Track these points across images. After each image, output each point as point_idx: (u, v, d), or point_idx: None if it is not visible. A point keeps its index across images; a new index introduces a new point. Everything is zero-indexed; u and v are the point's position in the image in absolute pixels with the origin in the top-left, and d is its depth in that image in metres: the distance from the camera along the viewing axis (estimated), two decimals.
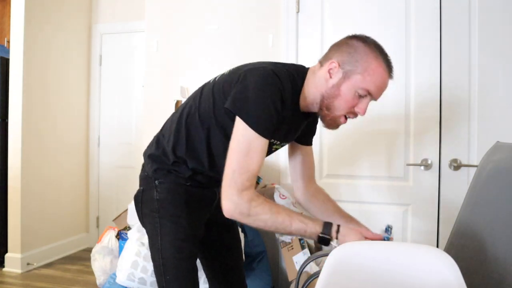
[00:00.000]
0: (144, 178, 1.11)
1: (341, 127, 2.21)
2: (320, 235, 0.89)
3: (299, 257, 1.78)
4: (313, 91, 0.97)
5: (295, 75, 0.98)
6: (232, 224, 1.26)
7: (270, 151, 1.06)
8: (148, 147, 1.14)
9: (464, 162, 1.83)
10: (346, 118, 0.97)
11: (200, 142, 1.02)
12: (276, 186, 1.99)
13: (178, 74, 2.35)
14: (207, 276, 1.28)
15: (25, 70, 2.64)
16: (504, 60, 1.79)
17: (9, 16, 2.70)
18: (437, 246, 1.88)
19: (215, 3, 2.29)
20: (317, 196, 1.23)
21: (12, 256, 2.63)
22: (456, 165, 1.84)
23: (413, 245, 0.89)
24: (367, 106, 0.95)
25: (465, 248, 1.03)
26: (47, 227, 2.87)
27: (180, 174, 1.06)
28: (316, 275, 1.28)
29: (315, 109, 0.99)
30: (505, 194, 0.95)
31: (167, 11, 2.37)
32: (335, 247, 0.81)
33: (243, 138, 0.87)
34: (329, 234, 0.90)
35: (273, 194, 1.93)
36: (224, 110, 0.94)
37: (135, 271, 1.63)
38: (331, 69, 0.94)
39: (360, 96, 0.93)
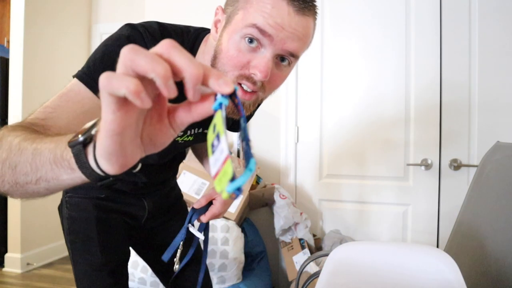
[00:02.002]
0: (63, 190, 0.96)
1: (341, 127, 2.21)
2: (70, 147, 0.37)
3: (299, 257, 1.78)
4: (206, 59, 0.68)
5: (174, 36, 0.70)
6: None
7: (175, 144, 0.82)
8: None
9: (464, 162, 1.83)
10: (244, 89, 0.62)
11: None
12: (276, 186, 1.99)
13: None
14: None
15: (25, 70, 2.64)
16: (504, 60, 1.79)
17: (9, 16, 2.70)
18: (437, 246, 1.88)
19: (215, 3, 2.28)
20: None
21: (12, 256, 2.63)
22: (456, 165, 1.83)
23: (413, 245, 0.89)
24: (267, 63, 0.59)
25: (465, 248, 1.03)
26: (47, 227, 2.86)
27: (92, 184, 0.87)
28: (316, 275, 1.28)
29: None
30: (505, 194, 0.95)
31: (167, 11, 2.37)
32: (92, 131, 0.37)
33: (66, 86, 0.62)
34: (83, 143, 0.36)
35: (273, 194, 1.92)
36: None
37: (135, 271, 1.63)
38: (217, 20, 0.66)
39: (251, 48, 0.60)
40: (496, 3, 1.79)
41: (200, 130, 0.84)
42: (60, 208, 0.94)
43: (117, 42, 0.64)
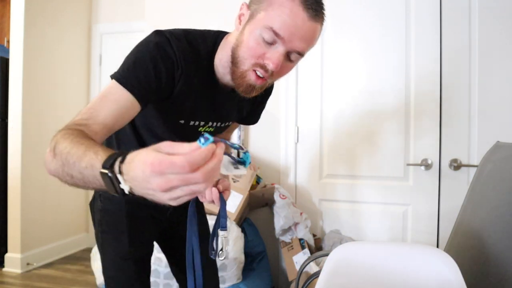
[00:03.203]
0: None
1: (341, 127, 2.21)
2: (102, 170, 0.50)
3: (299, 257, 1.78)
4: (227, 49, 0.80)
5: (198, 39, 0.81)
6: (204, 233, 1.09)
7: (198, 135, 0.89)
8: None
9: (464, 162, 1.83)
10: (257, 74, 0.75)
11: (127, 136, 0.93)
12: (276, 186, 1.99)
13: None
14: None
15: (25, 70, 2.64)
16: (504, 60, 1.79)
17: (9, 16, 2.70)
18: (437, 246, 1.88)
19: (215, 3, 2.29)
20: None
21: (12, 256, 2.63)
22: (456, 165, 1.83)
23: (413, 245, 0.89)
24: (279, 57, 0.72)
25: (465, 248, 1.03)
26: (47, 227, 2.87)
27: None
28: (316, 275, 1.28)
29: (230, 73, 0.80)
30: (505, 194, 0.95)
31: (167, 11, 2.37)
32: (125, 189, 0.48)
33: (106, 87, 0.74)
34: (111, 167, 0.50)
35: (273, 194, 1.93)
36: None
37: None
38: (241, 14, 0.78)
39: (267, 43, 0.72)
40: (496, 3, 1.79)
41: (218, 124, 0.94)
42: (92, 203, 1.03)
43: (146, 48, 0.76)
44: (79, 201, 3.20)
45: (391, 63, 1.94)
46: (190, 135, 0.83)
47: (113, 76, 0.74)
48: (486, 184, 1.04)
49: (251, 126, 2.20)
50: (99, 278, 2.04)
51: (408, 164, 1.92)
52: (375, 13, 1.97)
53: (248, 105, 1.00)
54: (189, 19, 2.33)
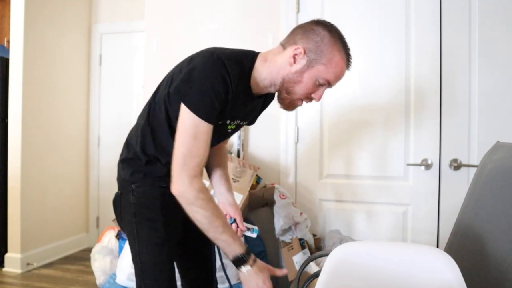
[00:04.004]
0: (121, 182, 1.12)
1: (341, 127, 2.21)
2: (239, 255, 0.96)
3: (299, 257, 1.78)
4: (273, 74, 1.00)
5: (243, 58, 1.00)
6: None
7: (225, 132, 1.08)
8: (120, 154, 1.16)
9: (464, 162, 1.83)
10: (302, 101, 1.02)
11: (165, 136, 1.03)
12: (276, 186, 1.99)
13: None
14: (178, 271, 1.28)
15: (25, 70, 2.64)
16: (504, 60, 1.79)
17: (9, 16, 2.70)
18: (437, 246, 1.88)
19: (215, 2, 2.29)
20: (216, 179, 1.27)
21: (12, 256, 2.63)
22: (456, 165, 1.84)
23: (413, 245, 0.89)
24: (323, 93, 1.01)
25: (465, 248, 1.03)
26: (47, 227, 2.87)
27: (156, 174, 1.07)
28: (316, 275, 1.28)
29: (272, 90, 1.03)
30: (505, 194, 0.95)
31: (167, 11, 2.37)
32: (240, 271, 0.97)
33: (190, 122, 0.91)
34: (247, 259, 0.97)
35: (273, 194, 1.92)
36: (169, 95, 0.97)
37: None
38: (296, 54, 0.95)
39: (319, 84, 0.97)
40: (496, 2, 1.79)
41: (240, 122, 1.10)
42: (119, 199, 1.12)
43: (209, 80, 0.90)
44: (79, 202, 3.20)
45: (391, 64, 1.95)
46: (219, 129, 1.03)
47: (195, 113, 0.90)
48: (486, 184, 1.04)
49: (251, 126, 2.20)
50: (99, 278, 2.04)
51: (408, 164, 1.92)
52: (375, 14, 1.97)
53: (260, 106, 1.16)
54: (189, 19, 2.33)
